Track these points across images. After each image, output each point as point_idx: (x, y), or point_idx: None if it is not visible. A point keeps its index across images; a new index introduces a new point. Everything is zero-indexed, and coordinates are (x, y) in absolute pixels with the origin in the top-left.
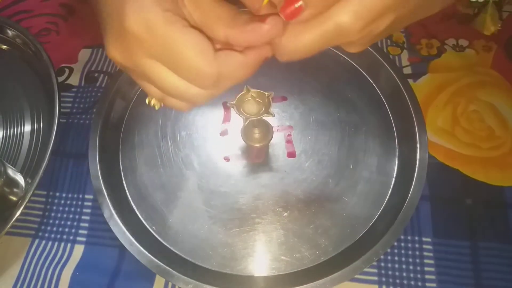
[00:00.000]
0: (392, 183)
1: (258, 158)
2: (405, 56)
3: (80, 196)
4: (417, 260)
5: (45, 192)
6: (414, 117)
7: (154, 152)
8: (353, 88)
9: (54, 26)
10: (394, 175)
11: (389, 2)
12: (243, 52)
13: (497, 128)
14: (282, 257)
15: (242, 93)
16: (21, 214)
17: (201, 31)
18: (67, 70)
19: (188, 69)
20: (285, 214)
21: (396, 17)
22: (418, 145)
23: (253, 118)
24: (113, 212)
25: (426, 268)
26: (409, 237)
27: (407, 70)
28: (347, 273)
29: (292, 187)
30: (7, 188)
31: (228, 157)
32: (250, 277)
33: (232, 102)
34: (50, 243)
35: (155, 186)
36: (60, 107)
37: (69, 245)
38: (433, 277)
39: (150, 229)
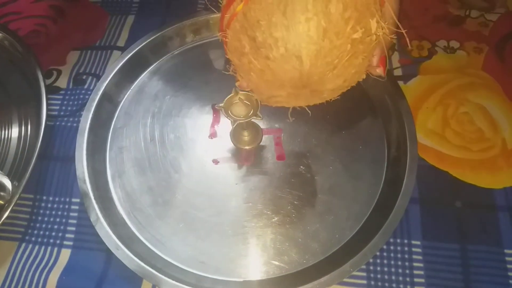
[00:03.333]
0: (382, 186)
1: (247, 161)
2: (395, 57)
3: (67, 199)
4: (406, 263)
5: (32, 196)
6: (404, 119)
7: (142, 155)
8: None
9: (43, 28)
10: (384, 178)
11: None
12: None
13: (487, 130)
14: (272, 261)
15: (230, 95)
16: (8, 217)
17: None
18: (55, 72)
19: None
20: (275, 217)
21: None
22: (408, 148)
23: (241, 121)
24: (100, 215)
25: (415, 271)
26: (398, 240)
27: (398, 72)
28: (335, 276)
29: (282, 190)
30: None
31: (217, 160)
32: (239, 281)
33: (220, 105)
34: (36, 247)
35: (143, 189)
36: (47, 109)
37: (55, 249)
38: (422, 280)
39: (137, 233)
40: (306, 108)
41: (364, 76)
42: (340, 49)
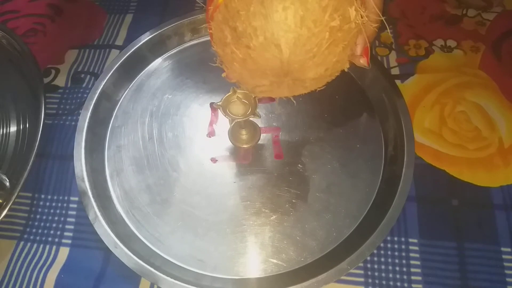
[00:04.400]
0: (379, 184)
1: (245, 159)
2: (393, 57)
3: (66, 198)
4: (404, 261)
5: (30, 194)
6: (401, 118)
7: (140, 153)
8: (340, 89)
9: (41, 26)
10: (381, 176)
11: None
12: None
13: (484, 129)
14: (270, 259)
15: (228, 94)
16: (6, 216)
17: None
18: (53, 71)
19: None
20: (273, 215)
21: None
22: (405, 146)
23: (239, 119)
24: (98, 214)
25: (413, 269)
26: (395, 238)
27: (395, 71)
28: (333, 274)
29: (280, 189)
30: None
31: (215, 158)
32: (237, 279)
33: (219, 103)
34: (35, 245)
35: (141, 188)
36: (45, 108)
37: (54, 247)
38: (419, 278)
39: (135, 231)
40: (292, 98)
41: (348, 65)
42: (318, 37)
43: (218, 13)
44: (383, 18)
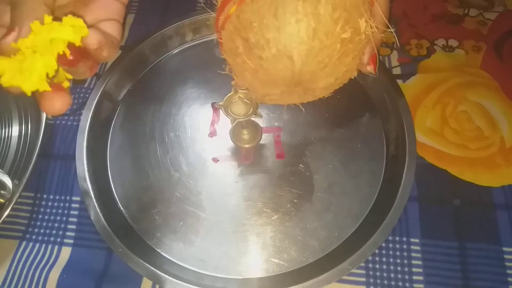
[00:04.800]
0: (380, 184)
1: (247, 159)
2: (394, 56)
3: (68, 198)
4: (405, 261)
5: (32, 194)
6: (403, 117)
7: (142, 153)
8: (342, 89)
9: None
10: (382, 176)
11: None
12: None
13: (486, 128)
14: (271, 259)
15: (230, 94)
16: (8, 216)
17: None
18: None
19: None
20: (274, 215)
21: None
22: (406, 146)
23: (240, 119)
24: (100, 214)
25: (414, 269)
26: (397, 238)
27: (397, 71)
28: (335, 274)
29: (281, 188)
30: None
31: (216, 158)
32: (239, 279)
33: (220, 103)
34: (37, 245)
35: (143, 187)
36: None
37: (56, 247)
38: (421, 278)
39: (137, 231)
40: (301, 106)
41: (356, 74)
42: (330, 49)
43: (229, 23)
44: (392, 30)
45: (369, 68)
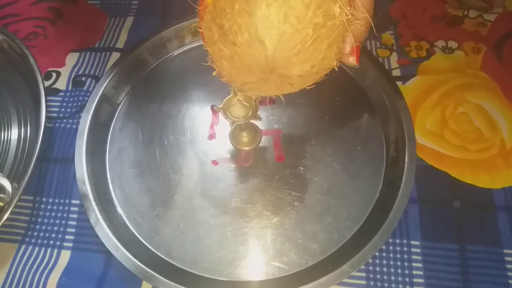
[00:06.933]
0: (380, 186)
1: (246, 162)
2: (394, 58)
3: (67, 201)
4: (405, 264)
5: (31, 197)
6: (403, 119)
7: (141, 156)
8: (342, 91)
9: (42, 30)
10: (382, 178)
11: None
12: None
13: (486, 130)
14: (271, 262)
15: (229, 96)
16: (8, 219)
17: None
18: (54, 74)
19: None
20: (274, 218)
21: None
22: (406, 148)
23: (240, 122)
24: (99, 217)
25: (414, 272)
26: (397, 241)
27: (396, 72)
28: (335, 277)
29: (281, 191)
30: None
31: (216, 161)
32: (238, 282)
33: (219, 106)
34: (36, 248)
35: (142, 190)
36: (46, 111)
37: (55, 250)
38: (421, 280)
39: (136, 234)
40: (281, 97)
41: (336, 63)
42: (302, 33)
43: (207, 12)
44: (367, 15)
45: (351, 60)
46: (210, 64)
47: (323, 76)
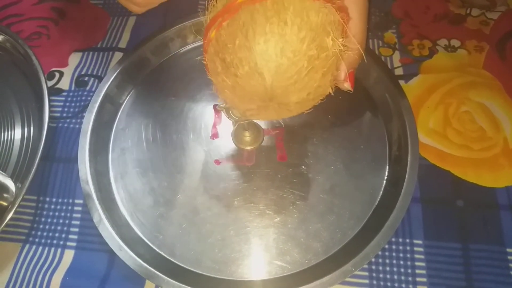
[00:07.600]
0: (383, 185)
1: (249, 161)
2: (396, 57)
3: (70, 200)
4: (408, 263)
5: (35, 197)
6: (405, 118)
7: (144, 155)
8: (344, 90)
9: (45, 30)
10: (385, 177)
11: None
12: None
13: (489, 129)
14: (274, 261)
15: None
16: (11, 219)
17: None
18: (57, 74)
19: None
20: (277, 217)
21: None
22: (409, 147)
23: (242, 121)
24: (103, 216)
25: (417, 271)
26: (400, 240)
27: (399, 71)
28: (338, 276)
29: (284, 190)
30: None
31: (219, 160)
32: (241, 281)
33: (222, 105)
34: (40, 248)
35: (145, 190)
36: (50, 111)
37: (59, 250)
38: (424, 279)
39: (139, 233)
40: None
41: (331, 90)
42: (298, 65)
43: (211, 46)
44: (359, 47)
45: (346, 85)
46: (214, 92)
47: (319, 101)
